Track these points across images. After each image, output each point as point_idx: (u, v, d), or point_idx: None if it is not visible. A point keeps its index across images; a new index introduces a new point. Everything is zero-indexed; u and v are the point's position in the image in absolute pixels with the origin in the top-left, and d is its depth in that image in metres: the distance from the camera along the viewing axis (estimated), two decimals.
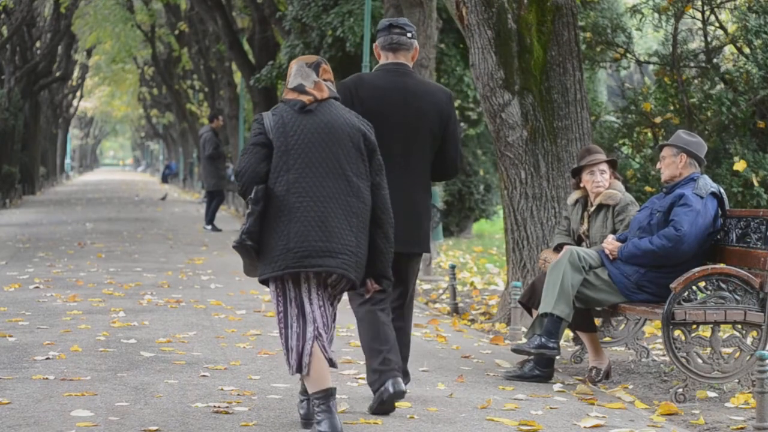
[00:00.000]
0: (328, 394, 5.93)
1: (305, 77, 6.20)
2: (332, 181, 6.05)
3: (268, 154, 6.06)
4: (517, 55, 10.17)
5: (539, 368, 7.85)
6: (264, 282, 6.08)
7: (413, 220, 6.88)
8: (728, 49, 13.10)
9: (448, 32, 22.00)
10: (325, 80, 6.22)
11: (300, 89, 6.17)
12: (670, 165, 7.86)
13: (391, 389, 6.50)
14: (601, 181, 8.38)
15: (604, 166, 8.42)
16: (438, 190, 16.18)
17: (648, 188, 11.93)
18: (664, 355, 8.78)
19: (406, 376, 6.95)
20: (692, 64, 12.58)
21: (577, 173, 8.57)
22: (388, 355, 6.58)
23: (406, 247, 6.84)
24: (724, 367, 7.29)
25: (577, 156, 8.96)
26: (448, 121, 7.00)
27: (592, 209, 8.44)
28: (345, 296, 6.88)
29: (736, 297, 7.31)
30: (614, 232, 8.18)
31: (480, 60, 10.19)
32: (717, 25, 12.65)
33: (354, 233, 6.05)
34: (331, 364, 6.02)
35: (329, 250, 5.96)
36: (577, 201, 8.57)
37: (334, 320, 6.14)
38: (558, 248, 8.42)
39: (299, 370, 5.96)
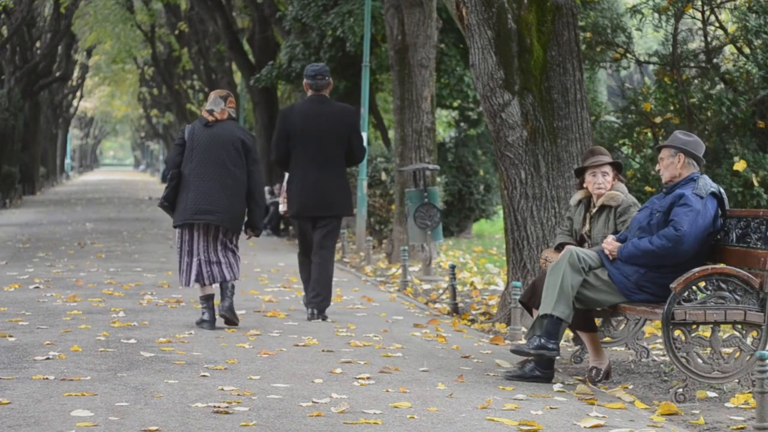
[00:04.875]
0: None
1: (216, 105, 10.11)
2: (216, 168, 9.93)
3: (182, 151, 10.05)
4: (517, 55, 10.17)
5: (539, 369, 7.84)
6: (174, 226, 10.07)
7: (327, 194, 10.69)
8: (728, 49, 13.11)
9: (448, 32, 22.00)
10: (229, 107, 10.11)
11: (210, 112, 10.08)
12: (668, 166, 7.85)
13: (314, 312, 10.64)
14: (603, 183, 8.38)
15: (607, 168, 8.41)
16: (438, 190, 16.18)
17: (648, 188, 11.94)
18: (664, 355, 8.78)
19: (326, 299, 10.71)
20: (692, 64, 12.58)
21: (580, 174, 8.57)
22: (318, 290, 10.66)
23: (322, 212, 10.71)
24: (724, 367, 7.29)
25: (581, 156, 8.94)
26: (352, 130, 10.85)
27: (595, 210, 8.43)
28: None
29: (736, 297, 7.30)
30: (616, 233, 8.17)
31: (480, 60, 10.19)
32: (717, 25, 12.65)
33: (228, 199, 9.91)
34: (223, 280, 9.98)
35: (208, 210, 9.87)
36: (580, 201, 8.57)
37: (227, 253, 10.01)
38: (559, 248, 8.42)
39: (187, 284, 10.03)
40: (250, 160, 10.07)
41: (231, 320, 9.98)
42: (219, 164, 9.93)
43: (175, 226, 10.04)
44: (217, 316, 10.08)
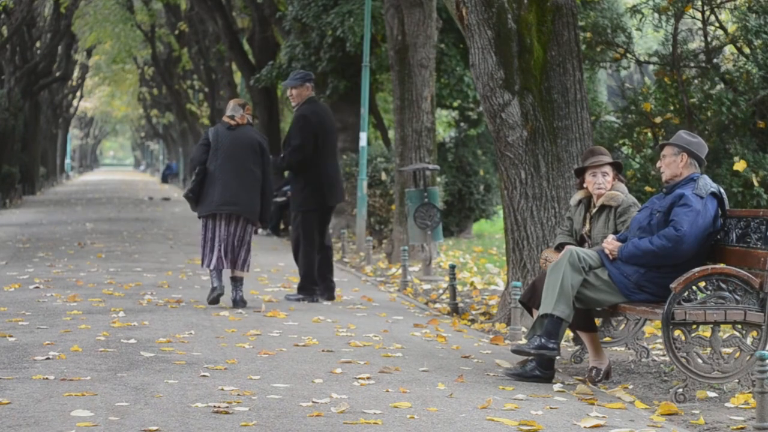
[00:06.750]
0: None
1: (236, 111, 11.65)
2: (239, 166, 11.44)
3: (207, 150, 11.55)
4: (517, 55, 10.17)
5: (540, 369, 7.84)
6: (199, 217, 11.55)
7: (340, 184, 12.28)
8: (728, 49, 13.11)
9: (448, 32, 21.99)
10: (246, 114, 11.64)
11: (231, 117, 11.62)
12: (670, 164, 7.85)
13: (324, 298, 12.19)
14: (603, 183, 8.38)
15: (607, 168, 8.41)
16: (438, 190, 16.18)
17: (648, 188, 11.93)
18: (664, 355, 8.78)
19: (331, 283, 12.29)
20: (692, 64, 12.58)
21: (580, 174, 8.57)
22: (332, 278, 12.28)
23: (342, 200, 12.38)
24: (724, 367, 7.29)
25: (581, 156, 8.94)
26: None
27: (595, 210, 8.44)
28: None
29: (736, 297, 7.30)
30: (616, 233, 8.17)
31: (480, 60, 10.19)
32: (717, 25, 12.65)
33: (248, 193, 11.44)
34: (234, 266, 11.54)
35: (232, 202, 11.39)
36: (580, 201, 8.57)
37: (243, 243, 11.53)
38: (559, 248, 8.42)
39: (208, 266, 11.42)
40: (265, 161, 11.59)
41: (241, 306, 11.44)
42: (240, 163, 11.45)
43: (200, 217, 11.49)
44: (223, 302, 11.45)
